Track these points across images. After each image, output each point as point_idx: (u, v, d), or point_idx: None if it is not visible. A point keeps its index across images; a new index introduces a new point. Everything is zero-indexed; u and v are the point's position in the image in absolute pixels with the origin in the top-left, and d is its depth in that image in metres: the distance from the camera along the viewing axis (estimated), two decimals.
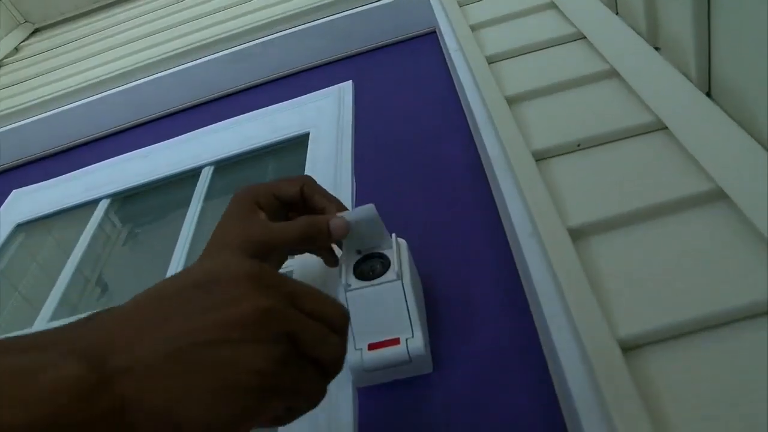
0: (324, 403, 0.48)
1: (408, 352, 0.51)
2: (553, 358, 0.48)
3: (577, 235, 0.52)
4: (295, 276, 0.64)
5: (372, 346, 0.52)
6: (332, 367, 0.34)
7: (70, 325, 0.29)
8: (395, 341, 0.52)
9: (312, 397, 0.34)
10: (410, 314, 0.52)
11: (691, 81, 0.60)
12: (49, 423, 0.23)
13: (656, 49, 0.68)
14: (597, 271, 0.48)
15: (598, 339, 0.42)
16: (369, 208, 0.53)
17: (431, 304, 0.59)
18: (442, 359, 0.55)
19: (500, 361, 0.53)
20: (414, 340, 0.51)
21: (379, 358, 0.52)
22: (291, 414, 0.34)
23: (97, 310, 0.31)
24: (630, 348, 0.42)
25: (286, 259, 0.56)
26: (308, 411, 0.34)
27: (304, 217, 0.52)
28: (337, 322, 0.34)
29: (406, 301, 0.52)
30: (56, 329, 0.29)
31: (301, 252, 0.58)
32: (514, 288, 0.58)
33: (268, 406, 0.30)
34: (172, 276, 0.32)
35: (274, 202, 0.53)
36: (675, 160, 0.56)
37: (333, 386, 0.54)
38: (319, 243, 0.54)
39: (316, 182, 0.55)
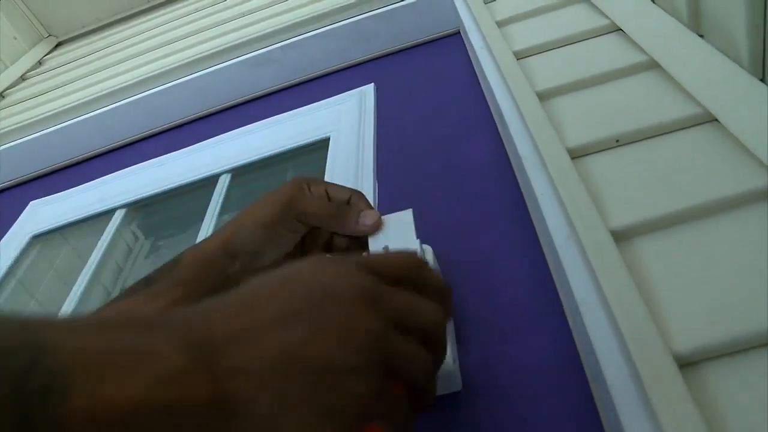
0: None
1: None
2: (596, 376, 0.43)
3: (621, 236, 0.47)
4: None
5: None
6: (423, 382, 0.31)
7: (176, 310, 0.28)
8: None
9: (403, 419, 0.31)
10: None
11: (743, 67, 0.55)
12: (163, 407, 0.22)
13: (700, 36, 0.63)
14: (645, 276, 0.43)
15: (651, 355, 0.37)
16: (406, 212, 0.52)
17: (459, 316, 0.55)
18: (471, 376, 0.50)
19: (536, 379, 0.48)
20: None
21: None
22: None
23: None
24: (687, 364, 0.37)
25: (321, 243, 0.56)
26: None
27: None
28: (431, 332, 0.32)
29: None
30: (159, 313, 0.28)
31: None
32: (549, 297, 0.53)
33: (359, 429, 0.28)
34: (280, 273, 0.30)
35: (324, 195, 0.53)
36: (727, 153, 0.50)
37: None
38: (347, 227, 0.53)
39: (367, 199, 0.55)
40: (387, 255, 0.38)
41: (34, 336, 0.21)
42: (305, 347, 0.26)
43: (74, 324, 0.23)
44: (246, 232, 0.52)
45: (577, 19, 0.80)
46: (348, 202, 0.55)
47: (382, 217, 0.54)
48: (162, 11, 1.72)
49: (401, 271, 0.33)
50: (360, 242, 0.57)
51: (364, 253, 0.51)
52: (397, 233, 0.53)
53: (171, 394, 0.22)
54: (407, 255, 0.36)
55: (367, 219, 0.53)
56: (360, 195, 0.56)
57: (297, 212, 0.52)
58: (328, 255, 0.59)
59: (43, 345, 0.21)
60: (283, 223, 0.52)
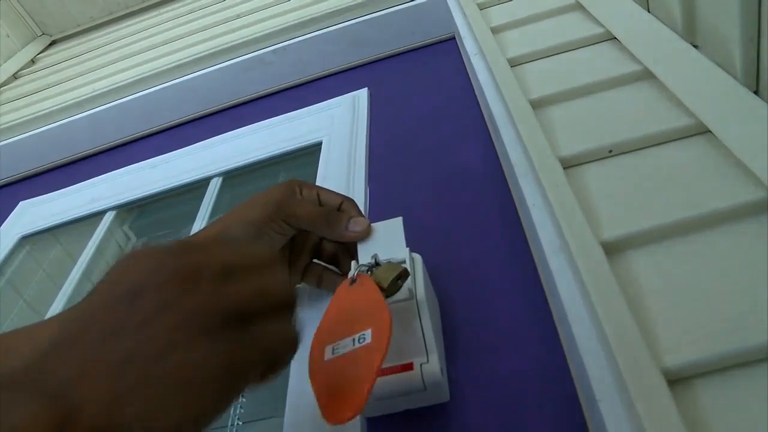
0: None
1: (422, 379, 0.46)
2: (585, 389, 0.42)
3: (612, 249, 0.46)
4: None
5: (382, 372, 0.47)
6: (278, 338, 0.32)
7: (14, 364, 0.26)
8: (408, 366, 0.47)
9: (280, 355, 0.32)
10: (425, 336, 0.47)
11: (737, 79, 0.55)
12: None
13: (695, 46, 0.63)
14: (636, 289, 0.43)
15: (640, 369, 0.36)
16: (396, 220, 0.53)
17: (448, 326, 0.54)
18: (459, 387, 0.50)
19: (524, 390, 0.48)
20: (429, 365, 0.46)
21: (390, 384, 0.46)
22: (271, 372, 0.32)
23: None
24: (677, 380, 0.37)
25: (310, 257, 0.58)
26: (285, 363, 0.33)
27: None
28: (279, 297, 0.33)
29: (420, 322, 0.47)
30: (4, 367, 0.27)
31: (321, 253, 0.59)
32: (539, 308, 0.53)
33: (243, 383, 0.29)
34: (98, 285, 0.30)
35: (315, 199, 0.54)
36: (720, 165, 0.50)
37: None
38: (335, 233, 0.54)
39: (358, 206, 0.56)
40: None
41: None
42: (138, 350, 0.27)
43: None
44: (234, 231, 0.51)
45: (572, 27, 0.80)
46: (339, 208, 0.55)
47: (372, 224, 0.53)
48: (156, 12, 1.71)
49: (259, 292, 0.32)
50: (348, 248, 0.56)
51: (353, 262, 0.51)
52: (387, 241, 0.52)
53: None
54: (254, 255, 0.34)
55: (357, 226, 0.54)
56: (351, 202, 0.56)
57: (286, 214, 0.52)
58: (316, 260, 0.58)
59: None
60: (271, 224, 0.52)
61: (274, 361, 0.32)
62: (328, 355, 0.42)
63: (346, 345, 0.41)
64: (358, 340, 0.41)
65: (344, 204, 0.55)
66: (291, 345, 0.32)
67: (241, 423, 0.59)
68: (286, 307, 0.33)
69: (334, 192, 0.56)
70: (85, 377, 0.26)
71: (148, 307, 0.28)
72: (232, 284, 0.30)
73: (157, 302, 0.28)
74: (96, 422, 0.24)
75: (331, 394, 0.40)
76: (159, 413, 0.26)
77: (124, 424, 0.25)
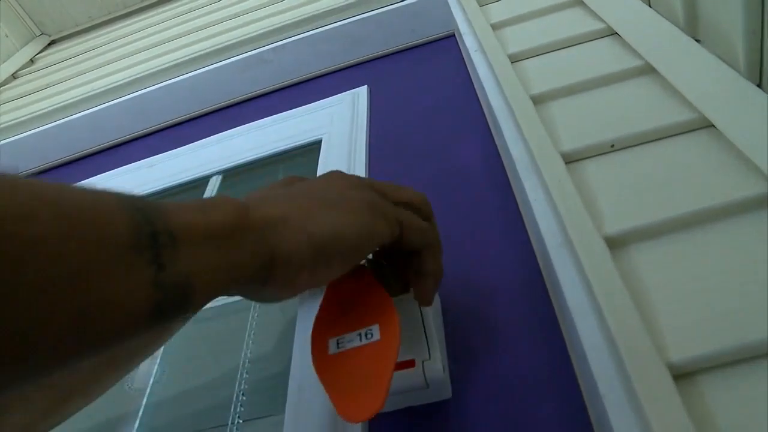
0: None
1: (424, 376, 0.45)
2: (588, 384, 0.42)
3: (615, 243, 0.46)
4: None
5: None
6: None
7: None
8: (410, 363, 0.46)
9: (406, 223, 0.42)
10: (427, 334, 0.46)
11: (739, 72, 0.54)
12: (230, 230, 0.31)
13: (696, 41, 0.62)
14: (640, 284, 0.42)
15: (645, 364, 0.36)
16: None
17: (450, 323, 0.54)
18: (461, 384, 0.49)
19: (527, 387, 0.47)
20: (431, 363, 0.46)
21: (392, 381, 0.46)
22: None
23: None
24: (682, 375, 0.36)
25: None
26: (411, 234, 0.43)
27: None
28: (423, 209, 0.46)
29: (422, 318, 0.47)
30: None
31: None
32: (542, 304, 0.52)
33: (380, 221, 0.39)
34: (302, 182, 0.43)
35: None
36: (724, 159, 0.50)
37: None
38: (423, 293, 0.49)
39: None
40: (397, 185, 0.45)
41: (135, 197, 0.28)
42: (322, 190, 0.40)
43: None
44: None
45: (573, 23, 0.80)
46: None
47: None
48: (155, 11, 1.70)
49: (404, 198, 0.44)
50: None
51: None
52: None
53: (233, 218, 0.31)
54: (414, 191, 0.46)
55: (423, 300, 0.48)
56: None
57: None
58: None
59: (145, 198, 0.28)
60: None
61: (401, 226, 0.41)
62: (332, 348, 0.41)
63: (352, 339, 0.41)
64: (366, 335, 0.40)
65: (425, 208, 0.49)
66: (417, 224, 0.43)
67: (241, 421, 0.58)
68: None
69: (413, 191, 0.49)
70: (267, 201, 0.36)
71: (332, 180, 0.41)
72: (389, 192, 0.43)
73: (339, 179, 0.41)
74: (272, 213, 0.34)
75: (345, 391, 0.39)
76: (320, 218, 0.36)
77: (294, 222, 0.35)
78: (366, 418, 0.36)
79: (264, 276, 0.33)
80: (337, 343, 0.41)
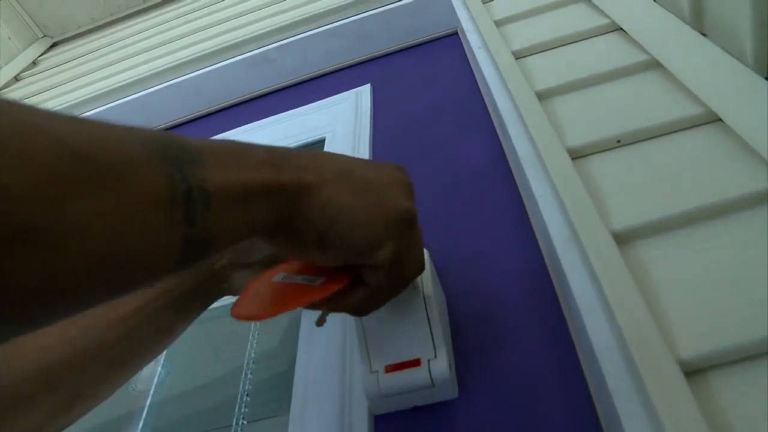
0: None
1: (430, 375, 0.45)
2: (598, 382, 0.41)
3: (623, 239, 0.45)
4: None
5: (390, 368, 0.46)
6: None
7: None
8: (416, 362, 0.46)
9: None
10: (433, 332, 0.46)
11: (747, 65, 0.54)
12: (263, 188, 0.31)
13: (703, 35, 0.62)
14: (648, 280, 0.42)
15: (655, 361, 0.35)
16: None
17: (456, 321, 0.53)
18: (467, 383, 0.49)
19: (534, 385, 0.47)
20: (437, 362, 0.45)
21: (397, 381, 0.45)
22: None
23: None
24: (693, 372, 0.36)
25: None
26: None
27: None
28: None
29: (428, 317, 0.46)
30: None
31: None
32: (549, 301, 0.52)
33: (397, 238, 0.38)
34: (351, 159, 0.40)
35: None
36: (732, 153, 0.49)
37: (346, 414, 0.49)
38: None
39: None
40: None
41: (177, 137, 0.28)
42: (361, 174, 0.38)
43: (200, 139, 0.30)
44: None
45: (577, 19, 0.79)
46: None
47: None
48: (158, 11, 1.70)
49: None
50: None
51: None
52: None
53: (268, 178, 0.31)
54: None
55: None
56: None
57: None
58: None
59: (185, 138, 0.28)
60: None
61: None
62: (277, 278, 0.41)
63: (296, 279, 0.41)
64: (309, 280, 0.40)
65: None
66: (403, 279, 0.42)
67: (246, 422, 0.58)
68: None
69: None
70: (313, 161, 0.35)
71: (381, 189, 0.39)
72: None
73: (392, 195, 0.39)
74: (308, 180, 0.34)
75: (253, 297, 0.40)
76: (347, 202, 0.35)
77: (320, 191, 0.34)
78: (242, 317, 0.38)
79: (275, 232, 0.34)
80: (283, 277, 0.41)
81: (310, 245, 0.35)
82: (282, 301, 0.39)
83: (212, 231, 0.28)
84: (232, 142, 0.32)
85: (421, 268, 0.43)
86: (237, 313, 0.38)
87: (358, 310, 0.42)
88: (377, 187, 0.38)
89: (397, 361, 0.46)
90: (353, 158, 0.39)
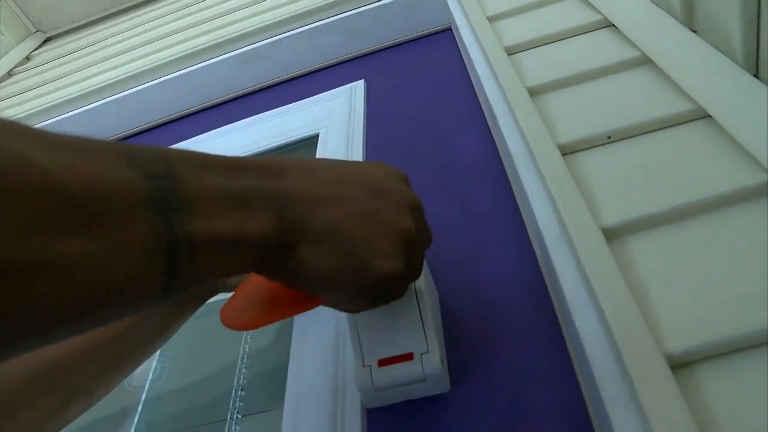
0: (330, 427, 0.42)
1: (423, 369, 0.45)
2: (587, 376, 0.42)
3: (612, 234, 0.46)
4: None
5: (383, 362, 0.47)
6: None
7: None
8: (408, 356, 0.46)
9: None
10: (425, 326, 0.46)
11: (736, 62, 0.54)
12: (248, 240, 0.30)
13: (693, 31, 0.62)
14: (637, 275, 0.42)
15: (642, 355, 0.36)
16: None
17: (448, 315, 0.54)
18: (460, 377, 0.49)
19: (525, 379, 0.47)
20: (429, 356, 0.46)
21: (390, 375, 0.46)
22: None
23: None
24: (680, 365, 0.36)
25: None
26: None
27: None
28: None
29: (420, 311, 0.47)
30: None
31: None
32: (539, 296, 0.52)
33: (400, 260, 0.36)
34: (351, 164, 0.39)
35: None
36: (720, 149, 0.49)
37: (339, 408, 0.49)
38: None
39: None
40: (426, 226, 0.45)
41: (170, 167, 0.27)
42: (347, 232, 0.34)
43: (196, 161, 0.29)
44: None
45: (569, 15, 0.79)
46: None
47: None
48: (151, 7, 1.70)
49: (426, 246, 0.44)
50: None
51: None
52: None
53: (254, 234, 0.30)
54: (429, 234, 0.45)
55: None
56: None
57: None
58: None
59: (176, 174, 0.27)
60: None
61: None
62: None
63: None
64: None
65: None
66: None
67: (240, 416, 0.58)
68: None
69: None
70: (310, 206, 0.34)
71: (382, 204, 0.37)
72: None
73: (392, 211, 0.37)
74: (289, 241, 0.32)
75: (244, 302, 0.41)
76: (347, 226, 0.34)
77: (304, 254, 0.33)
78: (231, 327, 0.38)
79: (258, 271, 0.34)
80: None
81: (295, 285, 0.35)
82: (274, 309, 0.40)
83: (193, 278, 0.28)
84: (237, 178, 0.31)
85: (417, 275, 0.42)
86: (228, 322, 0.39)
87: (351, 311, 0.43)
88: (365, 246, 0.35)
89: (390, 355, 0.46)
90: (352, 204, 0.36)
